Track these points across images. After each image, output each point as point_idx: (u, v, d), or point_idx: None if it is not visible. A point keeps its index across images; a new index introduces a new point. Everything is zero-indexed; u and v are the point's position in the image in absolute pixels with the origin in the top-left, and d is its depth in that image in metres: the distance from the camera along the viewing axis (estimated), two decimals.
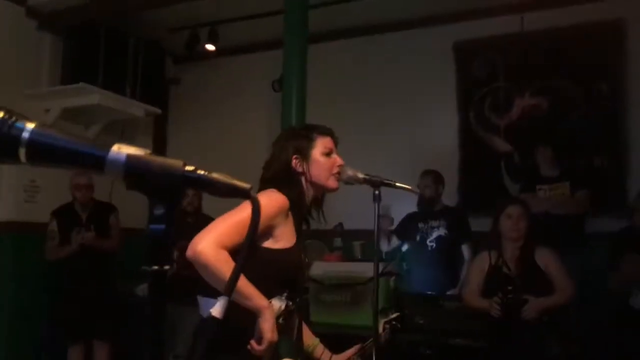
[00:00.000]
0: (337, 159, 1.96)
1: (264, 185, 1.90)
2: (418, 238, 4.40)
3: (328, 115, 5.11)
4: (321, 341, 2.49)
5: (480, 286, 3.41)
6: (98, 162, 0.73)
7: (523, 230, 3.36)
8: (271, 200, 1.77)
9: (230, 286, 1.05)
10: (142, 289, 4.66)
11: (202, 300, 3.79)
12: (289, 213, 1.83)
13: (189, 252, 1.62)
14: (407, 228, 4.48)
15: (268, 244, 1.81)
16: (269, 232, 1.79)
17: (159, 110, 5.55)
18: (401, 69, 5.21)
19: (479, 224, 4.48)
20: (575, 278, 3.32)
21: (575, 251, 3.91)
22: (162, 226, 0.74)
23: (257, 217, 0.88)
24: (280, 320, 1.77)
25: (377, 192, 1.95)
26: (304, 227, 1.95)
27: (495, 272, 3.37)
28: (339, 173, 1.94)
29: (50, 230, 4.52)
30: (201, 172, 0.78)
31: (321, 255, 4.06)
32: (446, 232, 4.34)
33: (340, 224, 4.18)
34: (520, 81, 4.89)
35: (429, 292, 3.91)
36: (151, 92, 5.54)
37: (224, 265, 1.58)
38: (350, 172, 1.96)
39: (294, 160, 1.91)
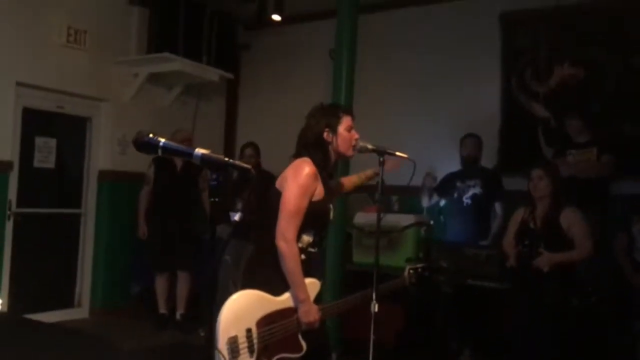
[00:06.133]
0: (355, 133, 2.57)
1: (300, 149, 2.55)
2: (455, 195, 4.90)
3: (376, 81, 5.69)
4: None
5: (513, 237, 3.91)
6: (190, 155, 1.40)
7: (544, 190, 3.77)
8: (307, 176, 2.42)
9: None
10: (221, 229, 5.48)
11: None
12: (318, 175, 2.47)
13: (277, 242, 2.39)
14: (447, 186, 4.98)
15: (312, 199, 2.46)
16: (312, 193, 2.45)
17: (231, 75, 6.27)
18: (449, 38, 5.62)
19: (516, 183, 4.92)
20: (596, 236, 3.72)
21: (598, 212, 4.30)
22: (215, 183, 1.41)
23: None
24: (310, 249, 2.46)
25: (381, 158, 2.55)
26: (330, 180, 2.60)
27: (524, 226, 3.87)
28: (355, 145, 2.55)
29: (147, 175, 5.39)
30: (226, 159, 1.46)
31: (365, 206, 4.68)
32: (481, 190, 4.82)
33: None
34: (561, 51, 5.21)
35: (456, 241, 4.46)
36: (224, 58, 6.27)
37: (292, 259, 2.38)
38: (362, 143, 2.58)
39: (325, 133, 2.53)
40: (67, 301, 5.60)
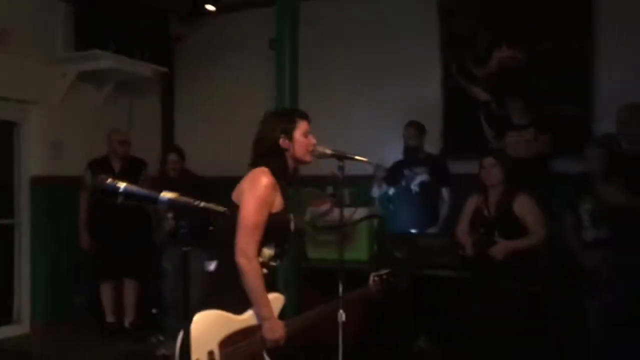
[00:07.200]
0: (312, 139, 2.47)
1: (256, 158, 2.43)
2: (403, 183, 4.91)
3: (318, 70, 5.59)
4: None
5: (467, 225, 3.94)
6: (155, 200, 1.27)
7: (496, 178, 3.81)
8: (265, 187, 2.31)
9: None
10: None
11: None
12: (277, 184, 2.37)
13: (237, 258, 2.27)
14: (394, 174, 4.97)
15: (271, 211, 2.36)
16: (271, 205, 2.35)
17: (165, 69, 6.02)
18: (388, 25, 5.59)
19: (460, 167, 4.98)
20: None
21: (539, 191, 4.38)
22: (186, 230, 1.29)
23: None
24: (271, 263, 2.37)
25: (341, 164, 2.47)
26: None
27: (478, 214, 3.89)
28: (313, 150, 2.46)
29: (84, 181, 5.12)
30: (196, 202, 1.34)
31: (317, 200, 4.60)
32: (428, 177, 4.84)
33: (333, 173, 4.69)
34: (499, 34, 5.27)
35: (410, 231, 4.47)
36: (158, 52, 6.00)
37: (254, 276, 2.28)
38: (320, 149, 2.48)
39: (281, 139, 2.42)
40: (4, 317, 5.26)
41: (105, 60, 5.34)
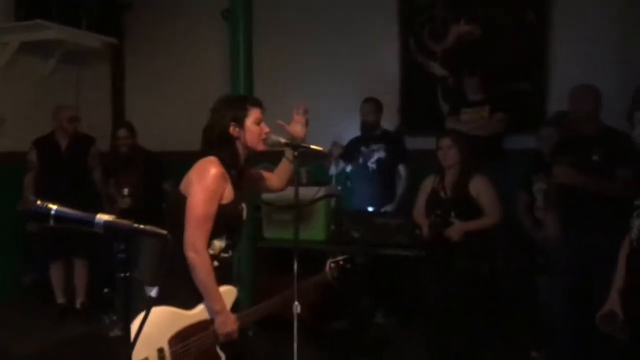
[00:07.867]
0: (264, 127, 2.38)
1: (205, 147, 2.34)
2: (361, 160, 4.88)
3: (274, 43, 5.45)
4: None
5: (424, 206, 3.91)
6: (90, 223, 1.18)
7: (453, 159, 3.76)
8: (214, 178, 2.23)
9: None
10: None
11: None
12: (226, 174, 2.28)
13: (186, 252, 2.20)
14: (351, 151, 4.93)
15: (221, 202, 2.27)
16: (220, 196, 2.26)
17: (115, 40, 5.76)
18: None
19: (418, 142, 4.97)
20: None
21: (493, 169, 4.40)
22: (124, 256, 1.20)
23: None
24: (222, 254, 2.30)
25: (295, 153, 2.40)
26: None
27: (434, 195, 3.86)
28: (266, 139, 2.37)
29: (29, 160, 4.87)
30: (135, 225, 1.28)
31: None
32: (385, 154, 4.81)
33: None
34: (456, 8, 5.22)
35: (368, 209, 4.46)
36: (106, 21, 5.73)
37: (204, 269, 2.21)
38: (274, 138, 2.40)
39: (231, 127, 2.32)
40: None
41: (48, 31, 5.07)
